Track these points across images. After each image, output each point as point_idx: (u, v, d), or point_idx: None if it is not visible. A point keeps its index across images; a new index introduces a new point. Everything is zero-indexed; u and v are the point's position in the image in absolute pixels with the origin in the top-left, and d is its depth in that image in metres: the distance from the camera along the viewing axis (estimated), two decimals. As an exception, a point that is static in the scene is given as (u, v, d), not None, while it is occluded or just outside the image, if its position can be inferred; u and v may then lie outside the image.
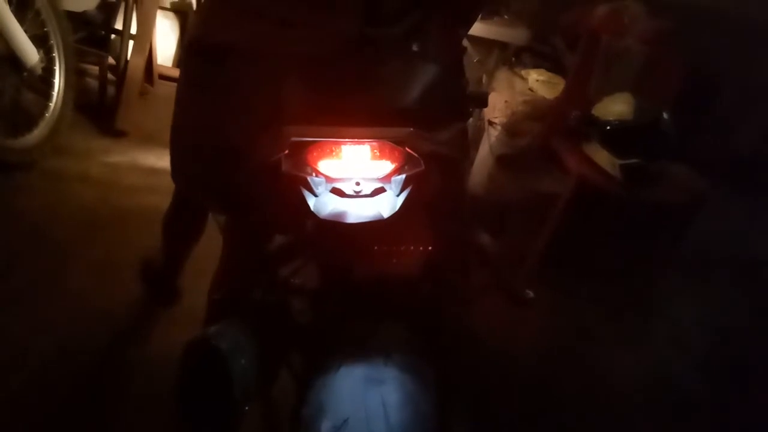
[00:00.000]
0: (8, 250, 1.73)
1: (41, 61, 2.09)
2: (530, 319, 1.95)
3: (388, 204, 0.82)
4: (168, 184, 1.27)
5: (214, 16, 0.99)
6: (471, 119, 2.33)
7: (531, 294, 1.94)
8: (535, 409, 1.63)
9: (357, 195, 0.82)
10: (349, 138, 0.84)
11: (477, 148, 2.60)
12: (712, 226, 2.33)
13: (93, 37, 2.67)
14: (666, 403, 1.79)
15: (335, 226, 0.82)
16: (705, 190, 2.08)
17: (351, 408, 0.74)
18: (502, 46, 2.60)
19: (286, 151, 0.82)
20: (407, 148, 0.83)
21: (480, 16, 2.10)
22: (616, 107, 2.03)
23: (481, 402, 1.51)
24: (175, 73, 2.89)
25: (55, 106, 2.20)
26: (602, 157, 2.03)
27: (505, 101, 2.45)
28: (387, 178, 0.83)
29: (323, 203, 0.81)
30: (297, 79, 0.88)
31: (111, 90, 2.67)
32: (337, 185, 0.82)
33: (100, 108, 2.64)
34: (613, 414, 1.69)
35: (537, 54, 2.64)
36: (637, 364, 1.91)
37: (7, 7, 1.91)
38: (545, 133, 2.32)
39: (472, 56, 2.54)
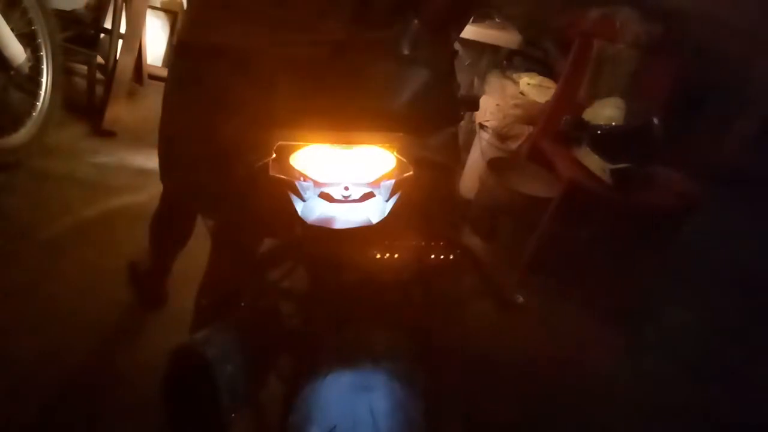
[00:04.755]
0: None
1: (28, 59, 2.06)
2: (520, 324, 1.94)
3: (376, 209, 0.81)
4: (156, 186, 1.26)
5: (203, 17, 0.98)
6: (462, 123, 2.33)
7: (521, 299, 1.94)
8: (526, 415, 1.63)
9: (345, 200, 0.81)
10: (337, 142, 0.83)
11: (468, 152, 2.61)
12: (703, 230, 2.34)
13: (81, 36, 2.65)
14: (657, 407, 1.79)
15: (323, 231, 0.81)
16: (695, 195, 2.09)
17: (339, 415, 0.74)
18: (493, 49, 2.60)
19: (274, 155, 0.81)
20: (396, 153, 0.83)
21: (472, 19, 2.10)
22: (606, 111, 2.03)
23: (470, 409, 1.51)
24: (165, 72, 2.86)
25: (42, 106, 2.17)
26: (593, 161, 2.03)
27: (497, 105, 2.46)
28: (376, 183, 0.82)
29: (311, 208, 0.80)
30: (286, 82, 0.87)
31: (99, 90, 2.65)
32: (326, 190, 0.81)
33: (89, 108, 2.61)
34: (605, 419, 1.69)
35: (529, 58, 2.65)
36: (627, 369, 1.91)
37: (-6, 5, 1.89)
38: (536, 137, 2.32)
39: (463, 59, 2.55)
